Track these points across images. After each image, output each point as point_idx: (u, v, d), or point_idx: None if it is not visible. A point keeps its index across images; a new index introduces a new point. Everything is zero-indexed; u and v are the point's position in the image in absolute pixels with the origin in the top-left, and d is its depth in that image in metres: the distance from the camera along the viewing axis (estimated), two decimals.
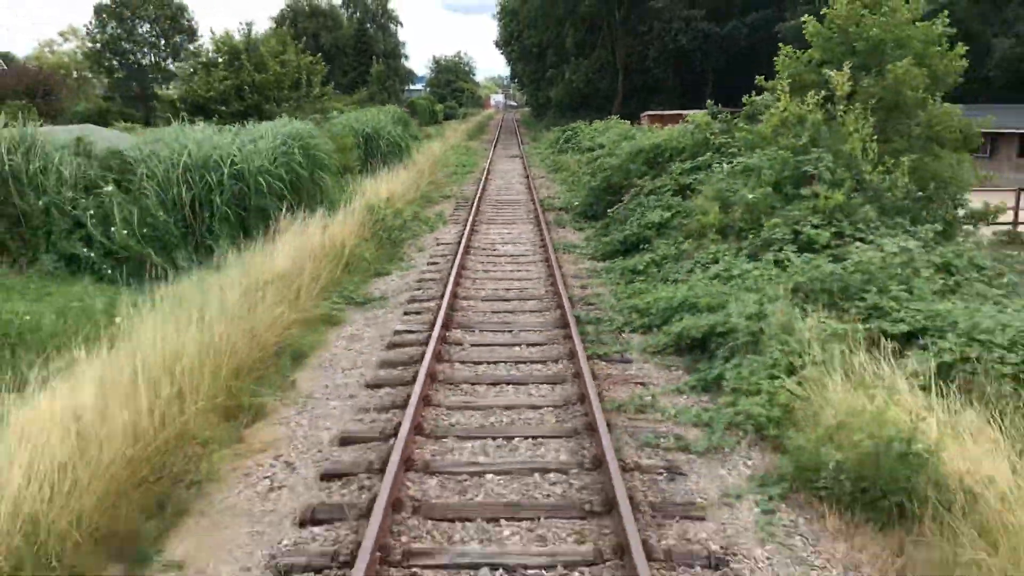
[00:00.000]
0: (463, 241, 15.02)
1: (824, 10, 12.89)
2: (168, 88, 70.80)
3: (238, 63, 24.64)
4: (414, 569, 4.81)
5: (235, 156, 14.33)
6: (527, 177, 27.94)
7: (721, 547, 5.08)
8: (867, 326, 7.47)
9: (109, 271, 13.69)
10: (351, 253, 13.11)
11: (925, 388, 6.30)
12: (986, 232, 23.35)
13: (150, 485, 5.73)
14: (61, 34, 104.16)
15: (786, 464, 5.98)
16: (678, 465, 6.16)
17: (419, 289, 12.03)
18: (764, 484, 5.87)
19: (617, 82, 53.90)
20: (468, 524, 5.30)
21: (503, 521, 5.35)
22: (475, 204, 20.38)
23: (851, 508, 5.41)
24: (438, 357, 8.63)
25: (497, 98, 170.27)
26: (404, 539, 5.13)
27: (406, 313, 10.72)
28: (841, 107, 11.17)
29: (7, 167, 14.24)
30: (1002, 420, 5.75)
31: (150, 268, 13.56)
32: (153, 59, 67.32)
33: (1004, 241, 23.46)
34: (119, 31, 65.75)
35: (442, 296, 10.97)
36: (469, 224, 17.14)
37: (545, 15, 54.35)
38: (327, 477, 6.05)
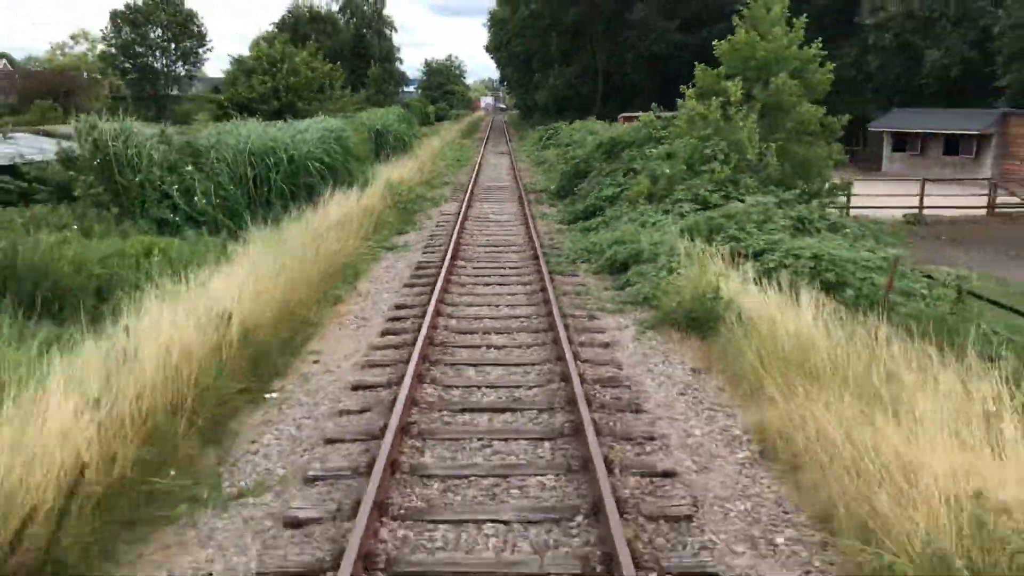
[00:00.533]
0: (462, 212, 19.35)
1: (729, 37, 17.31)
2: (175, 90, 74.93)
3: (275, 69, 29.07)
4: (449, 347, 9.14)
5: (287, 144, 18.64)
6: (513, 169, 32.31)
7: (610, 341, 9.44)
8: (724, 246, 11.82)
9: (190, 232, 17.91)
10: (379, 217, 17.44)
11: (755, 281, 10.64)
12: (896, 215, 28.00)
13: (292, 321, 10.02)
14: (72, 37, 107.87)
15: (656, 314, 10.35)
16: (595, 315, 10.53)
17: (432, 240, 16.37)
18: (641, 323, 10.24)
19: (598, 86, 58.36)
20: (468, 348, 9.56)
21: (493, 335, 9.68)
22: (470, 188, 24.74)
23: (686, 329, 9.76)
24: (449, 272, 12.93)
25: (487, 100, 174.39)
26: (440, 337, 9.43)
27: (424, 253, 15.07)
28: (734, 109, 15.57)
29: (112, 151, 18.48)
30: (781, 290, 10.10)
31: (221, 229, 17.80)
32: (164, 62, 71.37)
33: (910, 222, 28.08)
34: (132, 36, 69.78)
35: (449, 244, 15.26)
36: (465, 202, 21.46)
37: (532, 25, 58.84)
38: (390, 320, 10.38)
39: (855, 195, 28.38)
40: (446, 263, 13.18)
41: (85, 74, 72.93)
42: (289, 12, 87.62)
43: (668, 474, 6.03)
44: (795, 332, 7.97)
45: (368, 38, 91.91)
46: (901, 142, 40.87)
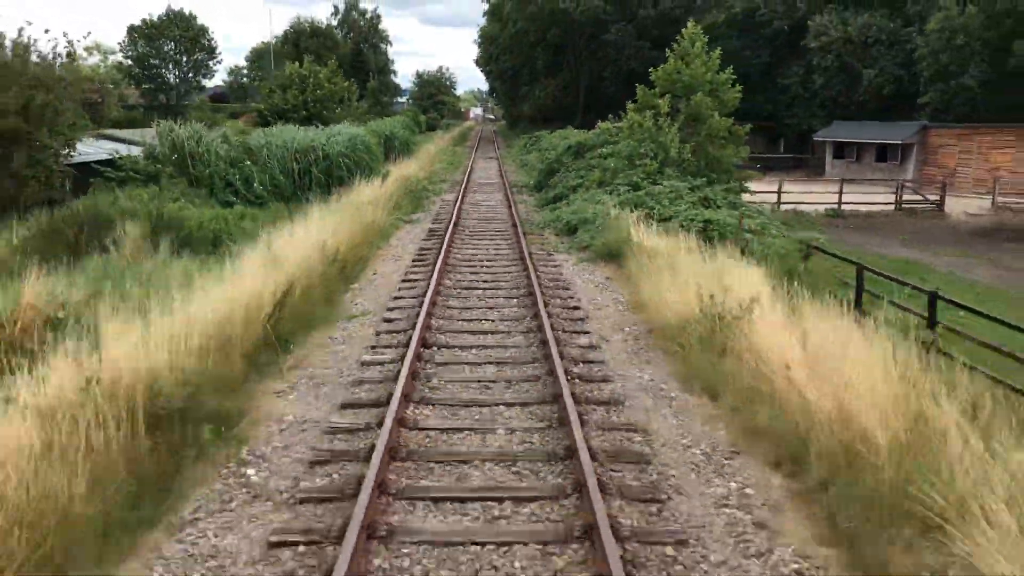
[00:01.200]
0: (459, 199, 24.72)
1: (662, 66, 22.86)
2: (187, 100, 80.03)
3: (304, 84, 34.57)
4: (457, 268, 14.48)
5: (323, 145, 23.99)
6: (500, 170, 37.75)
7: (558, 264, 14.85)
8: (641, 213, 17.22)
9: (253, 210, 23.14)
10: (396, 200, 22.76)
11: (657, 234, 16.00)
12: (819, 208, 33.48)
13: (354, 255, 15.31)
14: (86, 49, 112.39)
15: (590, 253, 15.77)
16: (551, 253, 15.96)
17: (438, 216, 21.74)
18: (580, 257, 15.67)
19: (579, 98, 63.92)
20: (469, 267, 14.87)
21: (484, 263, 15.01)
22: (464, 183, 30.13)
23: (607, 259, 15.15)
24: (453, 234, 18.28)
25: (476, 111, 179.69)
26: (451, 264, 14.75)
27: (433, 223, 20.44)
28: (663, 119, 21.04)
29: (187, 149, 23.76)
30: (672, 235, 15.49)
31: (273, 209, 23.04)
32: (176, 74, 76.57)
33: (830, 215, 33.57)
34: (147, 49, 74.94)
35: (451, 218, 20.60)
36: (461, 193, 26.83)
37: (518, 42, 64.44)
38: (414, 261, 15.71)
39: (787, 192, 34.05)
40: (450, 228, 18.53)
41: (98, 85, 77.94)
42: (291, 27, 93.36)
43: (577, 308, 11.45)
44: (669, 253, 13.34)
45: (365, 52, 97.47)
46: (841, 150, 46.56)
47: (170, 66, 76.04)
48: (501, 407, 7.77)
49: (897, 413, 6.02)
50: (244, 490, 6.08)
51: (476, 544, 5.29)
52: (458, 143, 67.14)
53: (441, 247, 16.04)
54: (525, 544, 5.29)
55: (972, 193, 38.27)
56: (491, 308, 11.57)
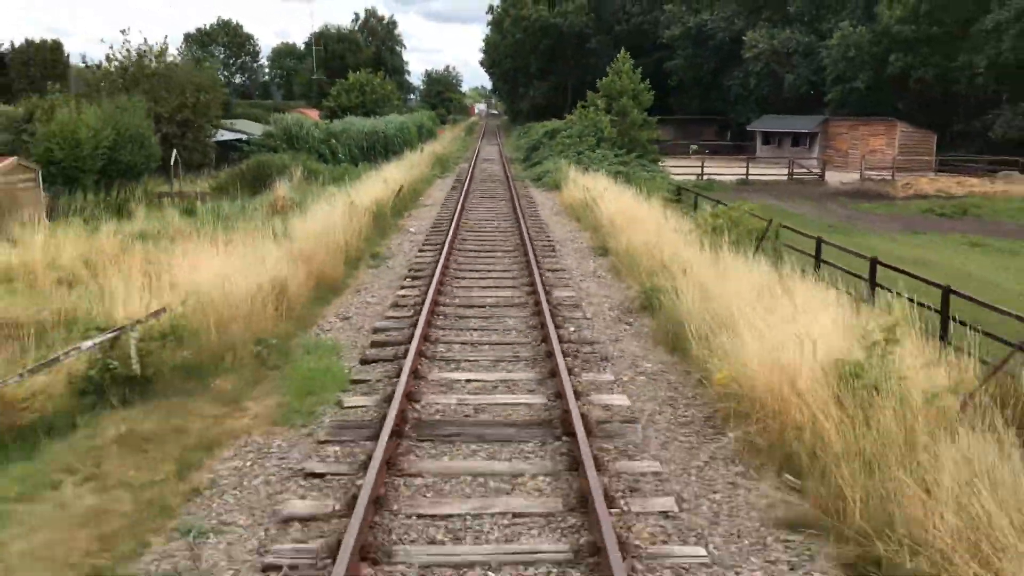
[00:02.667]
0: (471, 167, 36.60)
1: (605, 79, 34.73)
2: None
3: (363, 88, 46.65)
4: (473, 194, 26.43)
5: (383, 129, 35.94)
6: (501, 151, 49.68)
7: (532, 195, 26.80)
8: (580, 167, 29.14)
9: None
10: (431, 165, 34.71)
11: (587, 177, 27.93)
12: (732, 179, 45.25)
13: (416, 184, 27.26)
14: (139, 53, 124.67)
15: (546, 185, 27.73)
16: (528, 188, 27.91)
17: (458, 175, 33.63)
18: (540, 189, 27.62)
19: (567, 97, 75.56)
20: (481, 195, 26.75)
21: (488, 196, 26.96)
22: (475, 157, 42.06)
23: (554, 188, 27.08)
24: (469, 184, 30.13)
25: (480, 107, 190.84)
26: (470, 194, 26.65)
27: (456, 179, 32.33)
28: (601, 113, 32.92)
29: (293, 132, 35.70)
30: (592, 177, 27.47)
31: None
32: (225, 75, 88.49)
33: (740, 183, 45.31)
34: (201, 53, 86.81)
35: (468, 175, 32.40)
36: (473, 163, 38.69)
37: (516, 50, 76.02)
38: (451, 190, 27.66)
39: (709, 167, 45.79)
40: (466, 181, 30.33)
41: None
42: (320, 31, 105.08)
43: (533, 205, 23.41)
44: (586, 184, 25.29)
45: (383, 54, 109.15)
46: (767, 138, 58.28)
47: (219, 68, 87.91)
48: (498, 234, 19.64)
49: (657, 222, 17.78)
50: (408, 233, 18.06)
51: (485, 287, 17.18)
52: (467, 133, 79.13)
53: (463, 190, 27.90)
54: (507, 274, 17.21)
55: (855, 169, 50.01)
56: (492, 207, 23.37)
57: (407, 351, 8.50)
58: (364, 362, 8.76)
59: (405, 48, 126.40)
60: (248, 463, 6.27)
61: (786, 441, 6.17)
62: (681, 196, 27.74)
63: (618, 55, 35.46)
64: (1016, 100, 46.49)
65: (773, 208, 34.83)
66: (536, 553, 4.83)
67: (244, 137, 37.05)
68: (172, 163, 27.17)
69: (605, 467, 5.98)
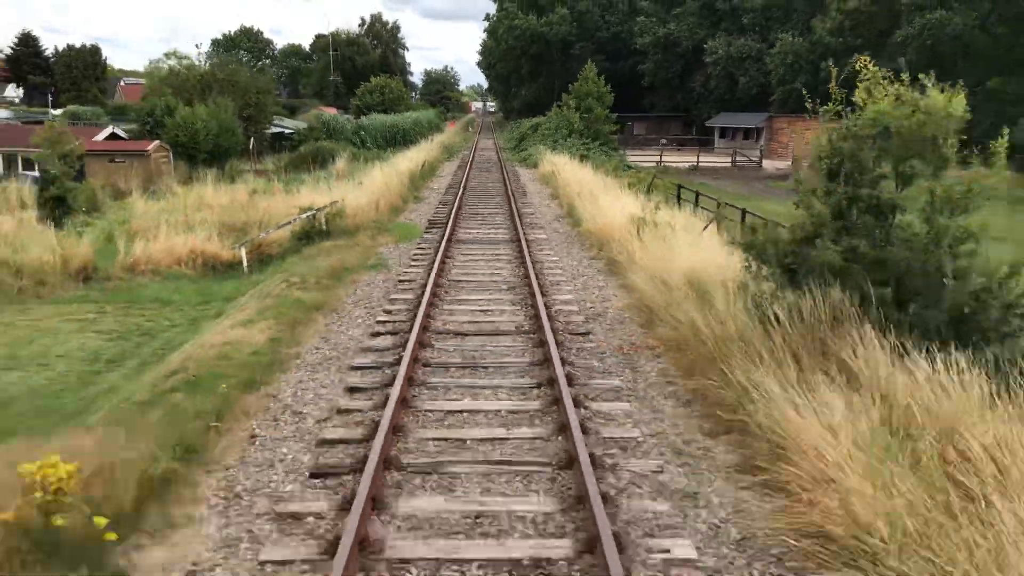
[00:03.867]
0: (472, 153, 45.78)
1: (576, 83, 43.80)
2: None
3: (383, 90, 55.78)
4: (474, 168, 35.65)
5: (401, 123, 45.09)
6: (495, 142, 58.91)
7: (518, 172, 36.05)
8: (554, 150, 38.38)
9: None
10: (439, 151, 43.91)
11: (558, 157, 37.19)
12: (685, 166, 54.55)
13: (433, 163, 36.48)
14: (166, 55, 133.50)
15: (528, 165, 36.99)
16: (516, 168, 37.13)
17: (462, 159, 42.80)
18: (525, 167, 36.87)
19: (554, 97, 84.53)
20: (479, 172, 35.93)
21: (484, 170, 36.17)
22: (474, 147, 51.24)
23: (534, 167, 36.33)
24: (471, 166, 39.31)
25: (477, 104, 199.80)
26: (472, 172, 35.83)
27: (460, 162, 41.54)
28: (572, 110, 42.04)
29: (332, 126, 44.84)
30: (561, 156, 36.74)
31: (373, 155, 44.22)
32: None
33: (690, 169, 54.48)
34: (224, 57, 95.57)
35: (469, 159, 41.56)
36: (473, 150, 47.85)
37: (509, 55, 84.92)
38: (456, 170, 36.87)
39: (667, 157, 54.96)
40: (468, 163, 39.46)
41: None
42: (331, 35, 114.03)
43: (518, 177, 32.64)
44: (556, 161, 34.54)
45: (389, 56, 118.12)
46: (723, 132, 67.46)
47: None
48: (492, 189, 28.80)
49: (592, 181, 26.89)
50: (432, 189, 27.27)
51: (484, 211, 26.37)
52: (466, 129, 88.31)
53: (467, 167, 37.02)
54: (498, 207, 26.40)
55: (790, 157, 59.16)
56: (488, 177, 32.54)
57: (448, 224, 17.69)
58: (428, 227, 18.01)
59: (408, 50, 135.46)
60: (392, 251, 15.51)
61: (607, 243, 15.38)
62: (634, 173, 36.88)
63: (586, 64, 44.55)
64: None
65: (706, 186, 43.92)
66: (501, 261, 14.06)
67: (286, 130, 46.18)
68: (251, 148, 36.34)
69: (533, 254, 15.12)
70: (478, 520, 5.10)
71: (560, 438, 6.38)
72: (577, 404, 6.84)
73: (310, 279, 12.53)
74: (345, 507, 5.04)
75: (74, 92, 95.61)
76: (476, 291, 11.88)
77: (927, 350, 6.12)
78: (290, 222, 17.11)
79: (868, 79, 8.30)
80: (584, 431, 6.21)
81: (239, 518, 5.14)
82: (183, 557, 4.65)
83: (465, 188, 26.93)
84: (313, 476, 5.70)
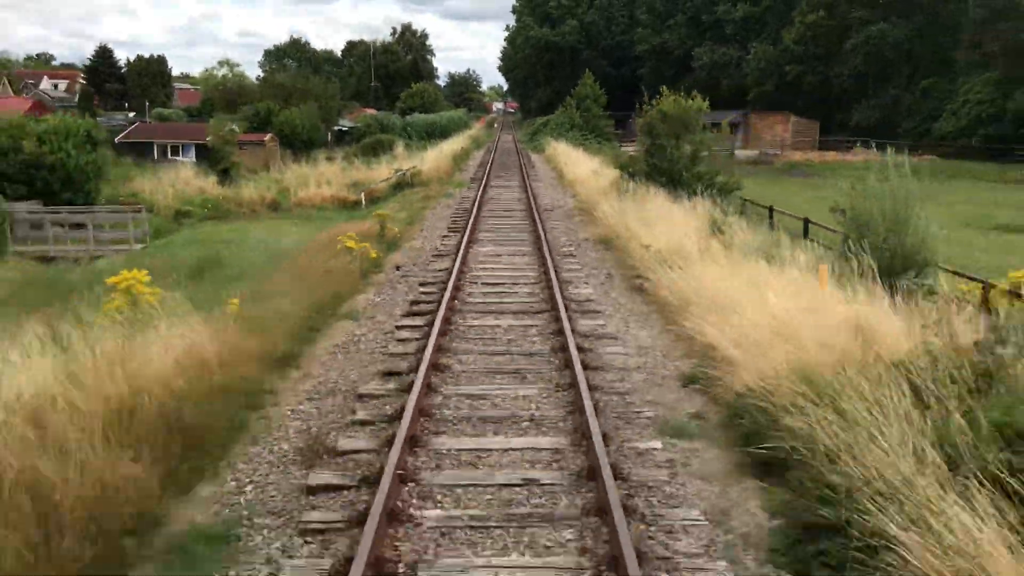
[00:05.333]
0: (496, 144, 57.05)
1: (577, 88, 54.79)
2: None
3: (423, 95, 67.08)
4: (497, 152, 46.91)
5: (439, 121, 56.43)
6: (514, 136, 70.20)
7: (532, 158, 47.33)
8: (560, 140, 49.53)
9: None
10: (470, 143, 55.26)
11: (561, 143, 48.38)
12: None
13: (465, 152, 47.79)
14: (219, 63, 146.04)
15: (539, 151, 48.23)
16: (530, 156, 48.33)
17: (488, 150, 54.11)
18: (535, 152, 48.10)
19: (564, 98, 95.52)
20: (502, 156, 47.15)
21: (505, 154, 47.43)
22: (497, 140, 62.54)
23: (542, 151, 47.54)
24: (495, 154, 50.55)
25: (498, 105, 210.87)
26: (496, 156, 47.05)
27: (486, 151, 52.85)
28: (573, 108, 53.03)
29: (384, 124, 56.34)
30: (565, 144, 47.96)
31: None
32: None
33: None
34: (275, 66, 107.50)
35: (493, 149, 52.82)
36: (496, 142, 59.11)
37: (526, 61, 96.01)
38: (485, 154, 48.16)
39: None
40: (493, 152, 50.60)
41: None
42: (368, 44, 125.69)
43: (533, 161, 43.87)
44: (559, 147, 45.76)
45: (418, 62, 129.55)
46: (711, 127, 77.99)
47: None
48: (511, 165, 39.96)
49: (584, 162, 37.92)
50: (469, 166, 38.51)
51: (505, 177, 37.59)
52: (488, 127, 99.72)
53: (490, 155, 48.07)
54: (514, 176, 37.63)
55: (763, 147, 69.73)
56: (507, 159, 43.70)
57: (483, 181, 28.97)
58: (471, 182, 29.39)
59: (435, 56, 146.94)
60: (453, 191, 26.94)
61: (574, 185, 26.48)
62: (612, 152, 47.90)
63: (584, 73, 55.60)
64: (867, 98, 66.26)
65: None
66: (515, 193, 25.30)
67: (344, 127, 57.50)
68: (329, 140, 47.87)
69: (534, 191, 26.24)
70: (502, 247, 16.31)
71: (535, 241, 17.50)
72: (545, 232, 17.92)
73: (415, 202, 23.78)
74: (458, 250, 16.24)
75: (145, 98, 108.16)
76: (502, 205, 23.08)
77: (676, 192, 17.20)
78: (389, 178, 28.37)
79: (665, 96, 19.23)
80: (547, 241, 17.33)
81: (425, 245, 16.46)
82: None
83: (492, 163, 38.06)
84: (438, 251, 16.92)
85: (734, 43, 78.58)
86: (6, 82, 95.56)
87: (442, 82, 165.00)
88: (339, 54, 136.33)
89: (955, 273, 9.51)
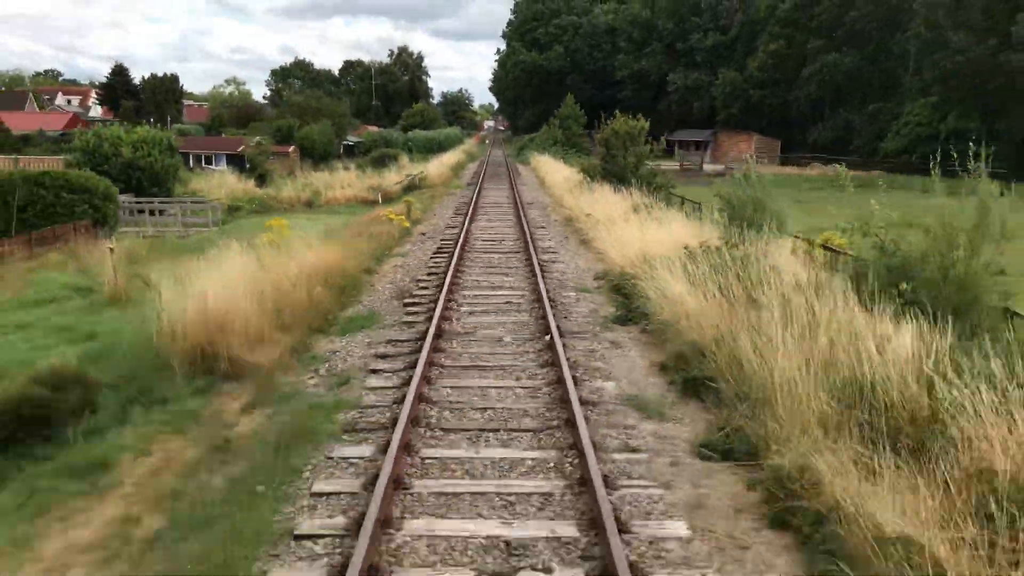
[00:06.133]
0: (487, 158, 63.23)
1: (559, 109, 61.12)
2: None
3: (423, 114, 73.26)
4: (488, 160, 53.12)
5: (437, 137, 62.62)
6: (504, 152, 76.52)
7: (518, 168, 53.57)
8: (544, 153, 55.79)
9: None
10: (466, 156, 61.46)
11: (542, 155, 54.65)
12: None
13: (458, 166, 54.00)
14: (226, 81, 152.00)
15: (525, 163, 54.49)
16: (517, 167, 54.60)
17: (480, 163, 60.23)
18: (521, 164, 54.33)
19: (549, 117, 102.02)
20: (493, 167, 53.41)
21: (496, 164, 53.66)
22: (488, 154, 68.77)
23: (527, 163, 53.79)
24: (487, 165, 56.77)
25: (489, 123, 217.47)
26: (487, 168, 53.24)
27: (479, 163, 59.04)
28: (556, 128, 59.31)
29: (387, 139, 62.50)
30: (548, 156, 54.24)
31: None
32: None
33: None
34: (281, 85, 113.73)
35: (484, 161, 58.96)
36: (487, 156, 65.29)
37: (514, 83, 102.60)
38: (477, 167, 54.36)
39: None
40: (486, 164, 56.78)
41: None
42: (366, 66, 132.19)
43: (520, 172, 50.10)
44: (540, 159, 52.02)
45: (415, 83, 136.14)
46: (682, 144, 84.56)
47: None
48: (501, 173, 46.12)
49: (560, 171, 44.10)
50: (465, 174, 44.63)
51: (496, 178, 43.79)
52: (480, 143, 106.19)
53: (483, 166, 54.17)
54: (503, 180, 43.85)
55: (726, 163, 76.12)
56: (498, 169, 49.86)
57: (478, 185, 34.95)
58: (468, 184, 35.40)
59: (430, 76, 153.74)
60: (454, 192, 32.93)
61: (551, 188, 32.60)
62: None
63: (568, 94, 61.92)
64: (823, 120, 72.95)
65: None
66: (504, 191, 31.42)
67: (350, 141, 63.53)
68: (340, 152, 53.94)
69: (519, 192, 32.27)
70: (494, 223, 22.41)
71: (517, 221, 23.56)
72: (525, 215, 23.94)
73: (425, 198, 29.83)
74: (463, 224, 22.32)
75: (158, 113, 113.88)
76: (494, 199, 29.07)
77: (622, 189, 23.31)
78: (400, 181, 34.39)
79: (616, 118, 25.37)
80: (526, 220, 23.38)
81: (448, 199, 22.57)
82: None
83: (485, 172, 44.13)
84: (450, 225, 22.99)
85: (705, 69, 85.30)
86: (32, 98, 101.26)
87: (435, 101, 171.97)
88: (336, 73, 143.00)
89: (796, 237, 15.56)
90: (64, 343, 11.45)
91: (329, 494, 5.53)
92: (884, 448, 5.01)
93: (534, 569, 4.60)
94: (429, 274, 13.84)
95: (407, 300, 11.73)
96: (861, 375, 5.97)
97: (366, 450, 6.30)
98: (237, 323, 9.21)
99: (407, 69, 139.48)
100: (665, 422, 7.10)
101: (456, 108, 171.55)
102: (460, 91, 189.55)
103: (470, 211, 23.40)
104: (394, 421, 6.63)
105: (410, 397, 7.01)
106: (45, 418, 8.37)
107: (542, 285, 12.06)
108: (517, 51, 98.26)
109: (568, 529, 5.04)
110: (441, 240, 17.95)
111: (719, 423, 6.77)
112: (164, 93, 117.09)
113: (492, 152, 76.07)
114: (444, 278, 12.67)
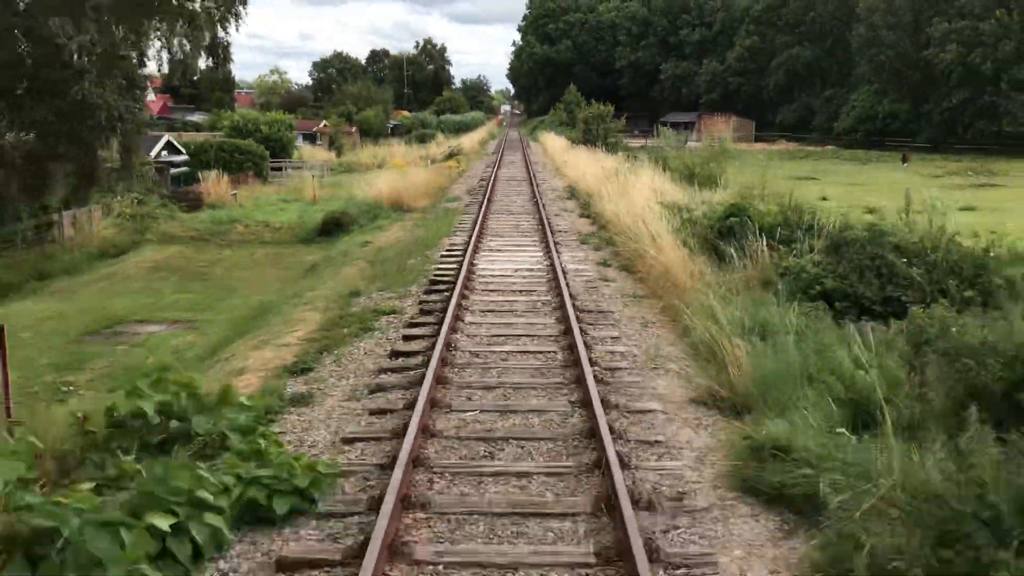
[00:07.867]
0: (504, 138, 75.24)
1: (565, 96, 72.89)
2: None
3: (452, 101, 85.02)
4: (505, 139, 65.28)
5: (465, 119, 74.67)
6: (519, 133, 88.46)
7: (528, 142, 65.71)
8: (551, 131, 67.77)
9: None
10: (488, 136, 73.54)
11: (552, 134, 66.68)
12: (637, 144, 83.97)
13: (485, 141, 66.10)
14: (271, 71, 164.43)
15: (536, 140, 66.58)
16: (528, 144, 66.73)
17: (500, 141, 72.30)
18: (533, 141, 66.46)
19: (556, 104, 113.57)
20: (510, 145, 65.52)
21: (511, 141, 65.77)
22: (505, 135, 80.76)
23: (538, 141, 65.92)
24: (505, 142, 68.82)
25: (505, 107, 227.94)
26: (506, 144, 65.31)
27: (498, 140, 71.16)
28: (562, 111, 71.17)
29: (423, 123, 74.72)
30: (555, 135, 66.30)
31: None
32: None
33: (640, 147, 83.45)
34: (322, 75, 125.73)
35: (503, 139, 70.97)
36: (505, 137, 77.28)
37: (528, 72, 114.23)
38: (495, 148, 66.54)
39: (630, 140, 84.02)
40: (504, 139, 68.86)
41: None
42: (393, 56, 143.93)
43: (529, 147, 62.20)
44: (547, 137, 64.14)
45: (439, 72, 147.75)
46: (673, 125, 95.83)
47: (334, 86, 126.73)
48: (515, 147, 58.22)
49: (561, 150, 56.07)
50: (488, 150, 56.85)
51: (511, 151, 55.92)
52: (500, 124, 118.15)
53: (503, 141, 66.15)
54: (517, 152, 55.99)
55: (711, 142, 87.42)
56: (515, 143, 61.95)
57: (500, 153, 47.22)
58: (493, 152, 47.67)
59: (452, 65, 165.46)
60: (482, 157, 45.26)
61: (553, 156, 44.80)
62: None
63: (571, 84, 73.70)
64: (788, 104, 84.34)
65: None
66: (517, 155, 43.68)
67: (393, 123, 75.54)
68: (389, 132, 66.32)
69: (528, 158, 44.36)
70: (512, 170, 34.72)
71: (526, 169, 35.75)
72: (531, 166, 36.09)
73: (463, 161, 42.14)
74: (492, 171, 34.62)
75: (213, 100, 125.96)
76: (510, 159, 41.33)
77: (593, 149, 35.53)
78: (444, 152, 46.65)
79: (593, 104, 37.53)
80: (531, 168, 35.58)
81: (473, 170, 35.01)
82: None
83: (504, 145, 56.29)
84: (482, 176, 35.31)
85: (692, 60, 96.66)
86: None
87: (455, 87, 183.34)
88: (363, 62, 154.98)
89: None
90: (310, 212, 24.11)
91: (460, 225, 18.06)
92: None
93: (521, 171, 17.19)
94: (479, 185, 26.20)
95: (471, 194, 24.09)
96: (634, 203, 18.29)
97: (470, 217, 18.77)
98: (405, 195, 21.77)
99: (431, 59, 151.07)
100: (577, 217, 19.52)
101: (475, 94, 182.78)
102: (479, 77, 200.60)
103: (496, 164, 35.68)
104: (479, 210, 19.13)
105: (484, 205, 19.50)
106: (339, 223, 21.12)
107: (536, 190, 24.34)
108: (531, 44, 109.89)
109: (537, 237, 17.61)
110: (480, 177, 30.35)
111: (592, 218, 19.11)
112: (218, 82, 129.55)
113: (509, 132, 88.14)
114: (486, 188, 24.99)
